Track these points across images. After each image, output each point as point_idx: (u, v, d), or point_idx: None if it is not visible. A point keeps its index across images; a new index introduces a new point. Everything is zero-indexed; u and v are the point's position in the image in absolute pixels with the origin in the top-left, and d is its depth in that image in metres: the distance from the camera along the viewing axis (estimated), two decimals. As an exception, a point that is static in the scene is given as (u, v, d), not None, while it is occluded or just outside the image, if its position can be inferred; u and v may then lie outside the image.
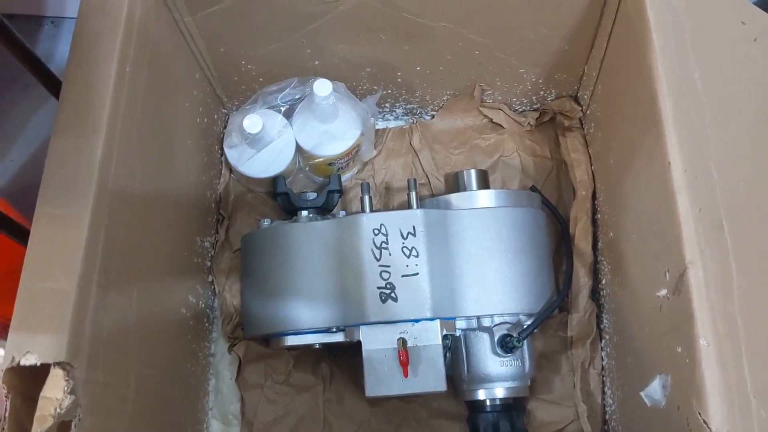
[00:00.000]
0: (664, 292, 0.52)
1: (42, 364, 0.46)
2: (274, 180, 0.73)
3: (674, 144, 0.51)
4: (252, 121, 0.67)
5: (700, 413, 0.45)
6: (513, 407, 0.67)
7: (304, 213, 0.71)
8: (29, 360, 0.46)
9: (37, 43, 0.94)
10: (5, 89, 0.93)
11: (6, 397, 0.47)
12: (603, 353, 0.70)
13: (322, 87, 0.66)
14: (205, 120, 0.74)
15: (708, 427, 0.44)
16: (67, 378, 0.46)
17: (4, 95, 0.93)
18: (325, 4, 0.64)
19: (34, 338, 0.47)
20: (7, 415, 0.46)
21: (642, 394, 0.55)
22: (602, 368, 0.70)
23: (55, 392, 0.46)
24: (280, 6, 0.64)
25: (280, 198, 0.74)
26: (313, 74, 0.70)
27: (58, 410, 0.45)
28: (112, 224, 0.52)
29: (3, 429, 0.46)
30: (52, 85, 0.78)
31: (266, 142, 0.71)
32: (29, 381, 0.47)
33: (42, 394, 0.46)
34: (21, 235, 0.72)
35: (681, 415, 0.48)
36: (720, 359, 0.46)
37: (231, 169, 0.78)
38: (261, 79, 0.74)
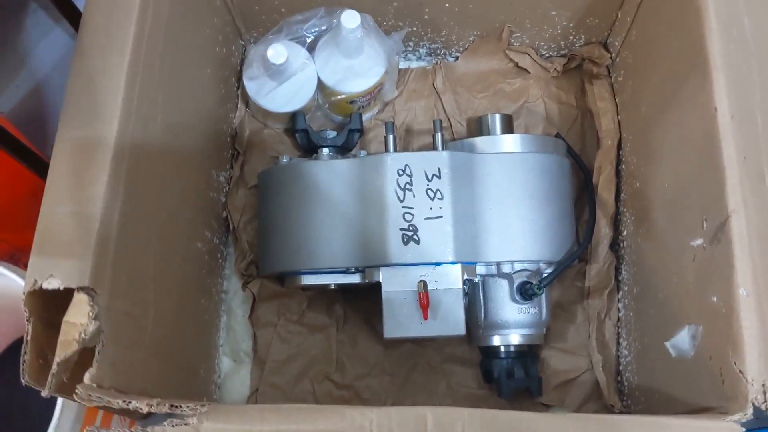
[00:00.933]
0: (699, 241, 0.51)
1: (65, 289, 0.45)
2: (294, 116, 0.71)
3: (721, 90, 0.49)
4: (276, 51, 0.65)
5: (735, 363, 0.45)
6: (527, 354, 0.67)
7: (325, 151, 0.69)
8: (52, 284, 0.45)
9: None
10: (12, 15, 0.89)
11: (27, 321, 0.46)
12: (620, 305, 0.70)
13: (350, 18, 0.64)
14: (224, 50, 0.71)
15: (744, 376, 0.44)
16: (91, 303, 0.45)
17: (11, 21, 0.89)
18: (358, -69, 0.61)
19: (57, 262, 0.45)
20: (28, 339, 0.45)
21: (668, 344, 0.55)
22: (618, 319, 0.70)
23: (79, 317, 0.45)
24: (310, -70, 0.61)
25: (299, 135, 0.72)
26: (339, 5, 0.68)
27: (83, 335, 0.44)
28: (135, 151, 0.51)
29: (25, 353, 0.45)
30: (63, 6, 0.75)
31: (288, 74, 0.68)
32: (50, 306, 0.46)
33: (65, 318, 0.45)
34: (28, 159, 0.70)
35: (713, 366, 0.48)
36: (759, 310, 0.45)
37: (247, 103, 0.76)
38: (283, 10, 0.72)
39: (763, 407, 0.43)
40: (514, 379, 0.66)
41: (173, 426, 0.42)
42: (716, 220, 0.48)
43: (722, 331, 0.46)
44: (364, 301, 0.72)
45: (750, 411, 0.43)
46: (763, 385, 0.43)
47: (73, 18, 0.75)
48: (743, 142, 0.48)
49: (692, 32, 0.53)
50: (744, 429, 0.42)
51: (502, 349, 0.66)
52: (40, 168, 0.71)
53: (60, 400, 0.61)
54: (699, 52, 0.51)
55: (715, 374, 0.47)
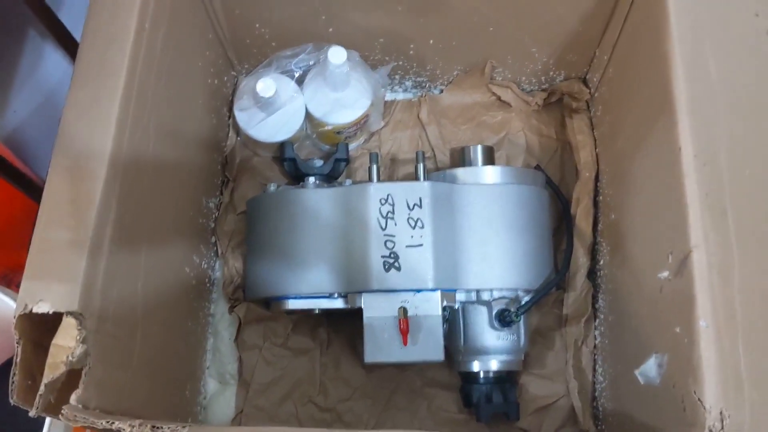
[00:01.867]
0: (665, 273, 0.53)
1: (54, 313, 0.46)
2: (282, 145, 0.74)
3: (686, 130, 0.52)
4: (266, 85, 0.67)
5: (695, 391, 0.47)
6: (506, 380, 0.69)
7: (311, 179, 0.72)
8: (42, 308, 0.47)
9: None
10: (10, 41, 0.92)
11: (17, 343, 0.47)
12: (596, 332, 0.72)
13: (337, 54, 0.66)
14: (215, 81, 0.74)
15: (702, 404, 0.46)
16: (79, 327, 0.47)
17: (9, 48, 0.92)
18: (345, -29, 0.64)
19: (48, 287, 0.47)
20: (18, 360, 0.47)
21: (636, 372, 0.57)
22: (595, 347, 0.72)
23: (67, 340, 0.46)
24: (300, -30, 0.64)
25: (287, 163, 0.74)
26: (327, 41, 0.70)
27: (70, 358, 0.46)
28: (126, 179, 0.53)
29: (14, 374, 0.47)
30: (61, 36, 0.77)
31: (277, 106, 0.71)
32: (40, 329, 0.48)
33: (54, 341, 0.47)
34: (23, 184, 0.72)
35: (676, 393, 0.50)
36: (718, 341, 0.47)
37: (238, 132, 0.78)
38: (273, 44, 0.74)
39: (720, 434, 0.45)
40: (493, 404, 0.67)
41: (155, 446, 0.44)
42: (680, 254, 0.50)
43: (684, 360, 0.48)
44: (347, 325, 0.74)
45: (707, 437, 0.45)
46: (720, 413, 0.45)
47: (70, 46, 0.78)
48: (706, 180, 0.51)
49: (660, 75, 0.55)
50: (701, 455, 0.44)
51: (482, 374, 0.68)
52: (34, 192, 0.73)
53: (48, 419, 0.62)
54: (666, 95, 0.54)
55: (678, 402, 0.49)
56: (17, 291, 0.49)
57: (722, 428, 0.45)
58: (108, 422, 0.44)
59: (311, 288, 0.67)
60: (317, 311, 0.70)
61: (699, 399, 0.46)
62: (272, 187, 0.72)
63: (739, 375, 0.47)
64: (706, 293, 0.48)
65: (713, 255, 0.49)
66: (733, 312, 0.48)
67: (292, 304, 0.68)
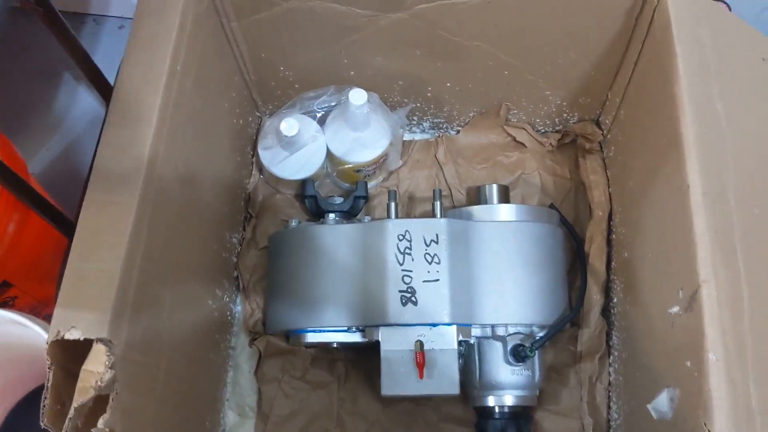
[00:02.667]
0: (676, 309, 0.54)
1: (85, 339, 0.48)
2: (303, 183, 0.76)
3: (694, 168, 0.53)
4: (289, 124, 0.70)
5: (705, 423, 0.47)
6: (521, 415, 0.69)
7: (332, 216, 0.74)
8: (73, 335, 0.48)
9: (79, 39, 0.97)
10: (46, 82, 0.96)
11: (49, 368, 0.49)
12: (611, 369, 0.72)
13: (358, 96, 0.69)
14: (241, 122, 0.77)
15: (713, 437, 0.47)
16: (108, 353, 0.49)
17: (45, 88, 0.96)
18: (367, 18, 0.67)
19: (79, 315, 0.49)
20: (49, 385, 0.49)
21: (649, 406, 0.57)
22: (609, 383, 0.72)
23: (96, 366, 0.48)
24: (324, 17, 0.67)
25: (308, 200, 0.76)
26: (348, 83, 0.74)
27: (99, 383, 0.48)
28: (156, 214, 0.55)
29: (45, 398, 0.49)
30: (95, 79, 0.81)
31: (299, 145, 0.74)
32: (70, 356, 0.50)
33: (84, 367, 0.48)
34: (56, 219, 0.75)
35: (687, 427, 0.50)
36: (728, 374, 0.48)
37: (261, 170, 0.81)
38: (297, 86, 0.77)
39: (731, 467, 0.46)
40: (508, 440, 0.68)
41: (178, 470, 0.45)
42: (690, 289, 0.52)
43: (695, 393, 0.49)
44: (365, 360, 0.75)
45: (718, 470, 0.45)
46: (731, 445, 0.46)
47: (102, 88, 0.81)
48: (714, 217, 0.52)
49: (670, 117, 0.57)
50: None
51: (497, 409, 0.69)
52: (65, 226, 0.76)
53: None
54: (675, 135, 0.56)
55: (690, 435, 0.50)
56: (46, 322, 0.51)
57: (733, 461, 0.46)
58: (134, 445, 0.46)
59: (330, 321, 0.68)
60: (335, 345, 0.71)
61: (709, 431, 0.47)
62: (294, 223, 0.74)
63: (750, 408, 0.48)
64: (715, 327, 0.49)
65: (723, 290, 0.50)
66: (743, 346, 0.50)
67: (311, 338, 0.70)
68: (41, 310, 0.81)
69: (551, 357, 0.75)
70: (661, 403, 0.56)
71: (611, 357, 0.73)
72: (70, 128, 0.96)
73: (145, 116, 0.56)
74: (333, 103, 0.75)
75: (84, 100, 0.97)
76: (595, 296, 0.73)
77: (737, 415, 0.47)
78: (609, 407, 0.72)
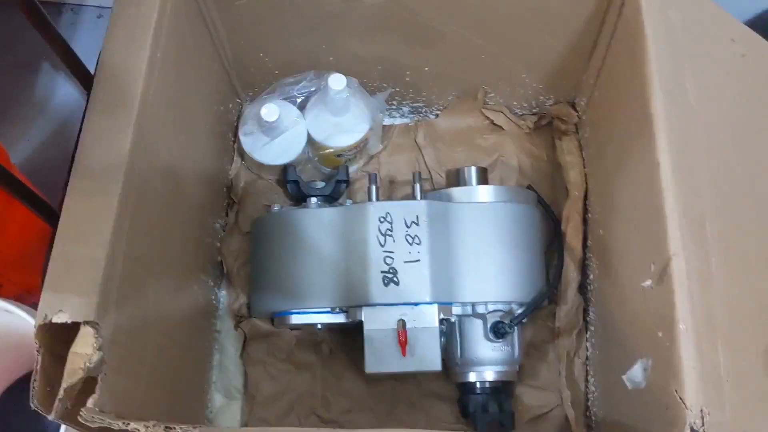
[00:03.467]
0: (648, 282, 0.56)
1: (72, 322, 0.49)
2: (285, 168, 0.77)
3: (664, 147, 0.55)
4: (269, 110, 0.71)
5: (676, 391, 0.49)
6: (501, 390, 0.71)
7: (313, 200, 0.75)
8: (61, 318, 0.49)
9: (58, 29, 0.97)
10: (27, 72, 0.96)
11: (37, 351, 0.50)
12: (588, 344, 0.74)
13: (337, 81, 0.70)
14: (221, 108, 0.78)
15: (684, 403, 0.48)
16: (96, 335, 0.50)
17: (26, 79, 0.96)
18: (345, 4, 0.68)
19: (66, 298, 0.50)
20: (38, 368, 0.50)
21: (624, 377, 0.59)
22: (586, 358, 0.74)
23: (85, 348, 0.49)
24: (303, 3, 0.68)
25: (290, 185, 0.77)
26: (327, 69, 0.74)
27: (88, 364, 0.49)
28: (139, 200, 0.56)
29: (34, 380, 0.50)
30: (74, 67, 0.81)
31: (280, 131, 0.75)
32: (58, 339, 0.51)
33: (72, 349, 0.49)
34: (40, 208, 0.75)
35: (659, 395, 0.52)
36: (697, 343, 0.50)
37: (243, 156, 0.82)
38: (276, 72, 0.78)
39: (701, 431, 0.48)
40: (489, 414, 0.70)
41: (168, 446, 0.47)
42: (660, 263, 0.54)
43: (666, 362, 0.51)
44: (348, 341, 0.77)
45: (688, 434, 0.47)
46: (701, 411, 0.48)
47: (82, 76, 0.81)
48: (684, 193, 0.54)
49: (640, 96, 0.59)
50: (681, 450, 0.47)
51: (478, 385, 0.71)
52: (49, 215, 0.76)
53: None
54: (645, 114, 0.57)
55: (661, 403, 0.52)
56: (32, 309, 0.52)
57: (703, 425, 0.48)
58: (124, 423, 0.47)
59: (313, 303, 0.70)
60: (319, 326, 0.73)
61: (680, 398, 0.49)
62: (276, 208, 0.75)
63: (719, 375, 0.50)
64: (685, 298, 0.51)
65: (692, 263, 0.52)
66: (712, 316, 0.52)
67: (296, 319, 0.71)
68: (26, 300, 0.81)
69: (530, 333, 0.76)
70: (635, 373, 0.58)
71: (588, 332, 0.75)
72: (50, 118, 0.96)
73: (127, 103, 0.57)
74: (313, 89, 0.76)
75: (64, 90, 0.97)
76: (571, 274, 0.75)
77: (706, 382, 0.49)
78: (587, 381, 0.74)
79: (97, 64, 0.60)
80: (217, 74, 0.76)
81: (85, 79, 0.78)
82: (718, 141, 0.59)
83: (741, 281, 0.54)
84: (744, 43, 0.66)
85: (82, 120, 0.57)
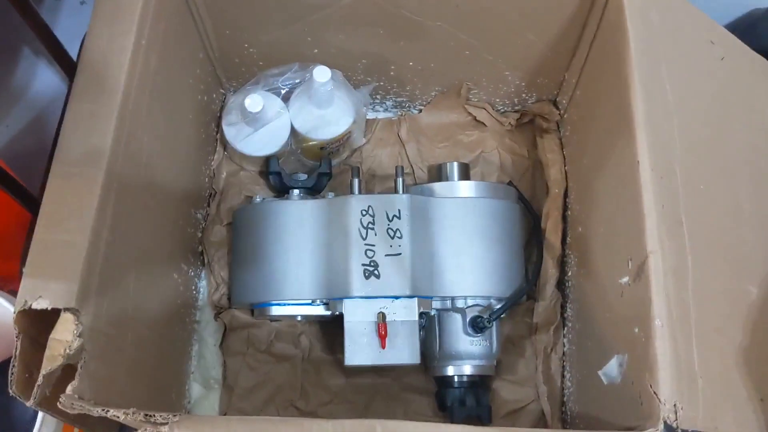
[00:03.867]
0: (626, 279, 0.57)
1: (53, 309, 0.49)
2: (268, 159, 0.77)
3: (644, 145, 0.56)
4: (253, 101, 0.71)
5: (651, 385, 0.50)
6: (479, 384, 0.72)
7: (296, 192, 0.75)
8: (41, 304, 0.49)
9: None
10: (5, 58, 0.95)
11: (16, 337, 0.50)
12: (565, 340, 0.75)
13: (322, 73, 0.70)
14: (205, 98, 0.78)
15: (658, 397, 0.49)
16: (76, 322, 0.49)
17: (4, 64, 0.95)
18: (330, -4, 0.68)
19: (47, 285, 0.50)
20: (17, 354, 0.50)
21: (600, 372, 0.60)
22: (563, 353, 0.75)
23: (64, 335, 0.49)
24: (287, -5, 0.68)
25: (273, 177, 0.77)
26: (312, 61, 0.74)
27: (67, 351, 0.49)
28: (121, 188, 0.56)
29: (13, 366, 0.49)
30: (56, 53, 0.80)
31: (264, 122, 0.75)
32: (38, 326, 0.51)
33: (52, 336, 0.49)
34: (19, 195, 0.75)
35: (634, 389, 0.53)
36: (672, 339, 0.51)
37: (225, 147, 0.82)
38: (261, 63, 0.78)
39: (674, 425, 0.49)
40: (466, 408, 0.70)
41: (147, 434, 0.47)
42: (638, 260, 0.55)
43: (642, 358, 0.52)
44: (328, 334, 0.77)
45: (661, 427, 0.48)
46: (675, 405, 0.49)
47: (64, 62, 0.81)
48: (662, 192, 0.55)
49: (621, 96, 0.60)
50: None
51: (456, 378, 0.71)
52: (28, 201, 0.75)
53: (39, 419, 0.64)
54: (625, 114, 0.58)
55: (636, 397, 0.53)
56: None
57: (676, 419, 0.49)
58: (103, 410, 0.47)
59: (294, 295, 0.70)
60: (300, 318, 0.73)
61: (655, 392, 0.50)
62: (258, 199, 0.75)
63: (693, 371, 0.51)
64: (661, 295, 0.52)
65: (668, 260, 0.53)
66: (687, 312, 0.53)
67: (276, 311, 0.71)
68: (4, 287, 0.80)
69: (508, 329, 0.77)
70: (611, 368, 0.59)
71: (565, 328, 0.76)
72: (30, 104, 0.95)
73: (110, 90, 0.57)
74: (297, 81, 0.76)
75: (44, 76, 0.96)
76: (550, 270, 0.76)
77: (681, 377, 0.50)
78: (563, 376, 0.75)
79: (80, 50, 0.59)
80: (201, 64, 0.75)
81: (68, 65, 0.77)
82: (696, 141, 0.60)
83: (717, 279, 0.55)
84: (723, 46, 0.67)
85: (64, 106, 0.57)
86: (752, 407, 0.53)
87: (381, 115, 0.87)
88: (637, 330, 0.54)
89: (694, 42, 0.66)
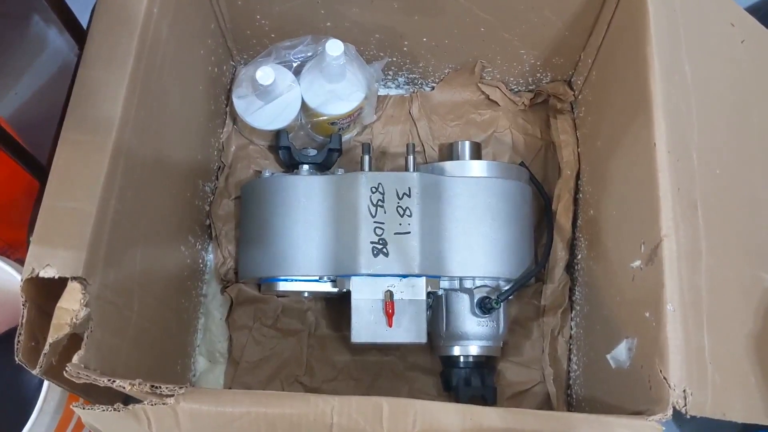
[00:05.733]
0: (638, 263, 0.56)
1: (60, 278, 0.49)
2: (278, 134, 0.77)
3: (661, 128, 0.55)
4: (265, 73, 0.70)
5: (661, 370, 0.50)
6: (485, 365, 0.72)
7: (305, 167, 0.74)
8: (48, 272, 0.49)
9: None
10: (16, 25, 0.94)
11: (23, 305, 0.50)
12: (572, 323, 0.75)
13: (334, 47, 0.69)
14: (215, 70, 0.77)
15: (668, 383, 0.49)
16: (83, 291, 0.49)
17: (14, 31, 0.94)
18: (345, -32, 0.67)
19: (54, 253, 0.49)
20: (23, 322, 0.49)
21: (608, 356, 0.60)
22: (570, 336, 0.75)
23: (71, 304, 0.49)
24: (302, -35, 0.67)
25: (282, 152, 0.77)
26: (324, 34, 0.73)
27: (74, 320, 0.48)
28: (130, 156, 0.55)
29: (19, 334, 0.49)
30: (67, 21, 0.79)
31: (274, 95, 0.74)
32: (44, 294, 0.50)
33: (59, 304, 0.49)
34: (27, 162, 0.74)
35: (643, 374, 0.53)
36: (684, 324, 0.50)
37: (234, 120, 0.81)
38: (273, 35, 0.77)
39: (683, 410, 0.48)
40: (471, 388, 0.70)
41: (153, 405, 0.47)
42: (651, 243, 0.54)
43: (652, 342, 0.52)
44: (335, 311, 0.77)
45: (670, 412, 0.48)
46: (684, 390, 0.49)
47: (75, 32, 0.80)
48: (678, 175, 0.54)
49: (639, 77, 0.59)
50: (663, 428, 0.47)
51: (462, 359, 0.71)
52: (36, 169, 0.75)
53: (44, 388, 0.64)
54: (644, 95, 0.57)
55: (645, 381, 0.52)
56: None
57: (685, 405, 0.48)
58: (109, 380, 0.47)
59: (302, 271, 0.70)
60: (306, 294, 0.73)
61: (664, 377, 0.49)
62: (267, 174, 0.74)
63: (704, 357, 0.51)
64: (674, 279, 0.51)
65: (682, 244, 0.52)
66: (699, 298, 0.52)
67: (283, 286, 0.71)
68: (11, 255, 0.80)
69: (516, 310, 0.77)
70: (620, 352, 0.58)
71: (573, 311, 0.75)
72: (39, 72, 0.94)
73: (121, 58, 0.56)
74: (309, 54, 0.75)
75: (55, 44, 0.95)
76: (560, 253, 0.75)
77: (691, 363, 0.50)
78: (569, 359, 0.74)
79: (90, 17, 0.58)
80: (212, 35, 0.74)
81: (78, 34, 0.76)
82: (714, 125, 0.59)
83: (730, 264, 0.55)
84: (743, 29, 0.66)
85: (74, 74, 0.56)
86: (761, 394, 0.53)
87: (393, 92, 0.86)
88: (647, 314, 0.53)
89: (714, 24, 0.64)
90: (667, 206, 0.53)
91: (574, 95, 0.80)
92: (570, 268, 0.76)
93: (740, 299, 0.56)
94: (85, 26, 0.61)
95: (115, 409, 0.47)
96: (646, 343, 0.54)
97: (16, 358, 0.49)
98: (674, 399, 0.48)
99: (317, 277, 0.70)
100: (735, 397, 0.52)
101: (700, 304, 0.52)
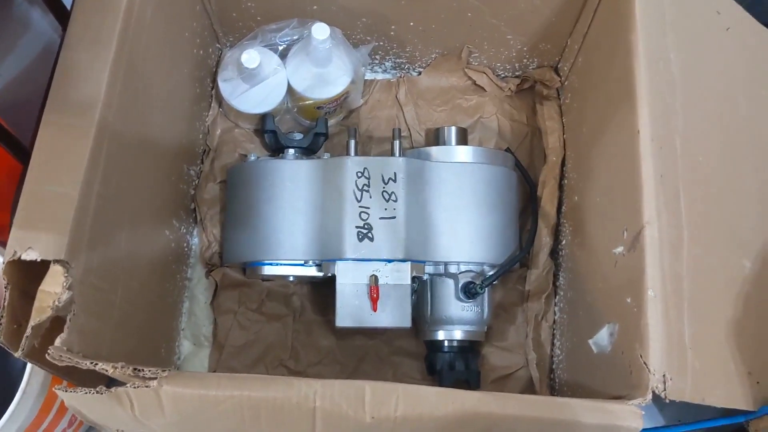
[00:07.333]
0: (620, 249, 0.57)
1: (42, 261, 0.49)
2: (263, 117, 0.76)
3: (645, 115, 0.55)
4: (250, 56, 0.69)
5: (641, 356, 0.50)
6: (469, 350, 0.72)
7: (291, 151, 0.74)
8: (30, 255, 0.48)
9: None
10: (-3, 4, 0.93)
11: (5, 288, 0.50)
12: (556, 308, 0.75)
13: (321, 30, 0.69)
14: (201, 52, 0.76)
15: (647, 368, 0.49)
16: (66, 275, 0.49)
17: (-4, 10, 0.93)
18: (332, -50, 0.67)
19: (37, 236, 0.49)
20: (5, 305, 0.49)
21: (590, 341, 0.61)
22: (554, 321, 0.75)
23: (54, 287, 0.49)
24: (288, -53, 0.67)
25: (268, 135, 0.76)
26: (311, 18, 0.73)
27: (57, 303, 0.48)
28: (114, 140, 0.55)
29: (1, 317, 0.49)
30: (51, 3, 0.78)
31: (260, 78, 0.73)
32: (27, 277, 0.50)
33: (41, 287, 0.49)
34: (10, 144, 0.74)
35: (624, 359, 0.53)
36: (664, 310, 0.51)
37: (220, 103, 0.80)
38: (259, 18, 0.76)
39: (662, 395, 0.49)
40: (455, 372, 0.71)
41: (135, 387, 0.47)
42: (634, 230, 0.54)
43: (633, 328, 0.52)
44: (320, 295, 0.77)
45: (649, 397, 0.49)
46: (664, 375, 0.49)
47: (58, 12, 0.79)
48: (661, 162, 0.55)
49: (624, 63, 0.59)
50: (642, 412, 0.48)
51: (446, 343, 0.71)
52: (19, 152, 0.74)
53: (27, 371, 0.64)
54: (628, 82, 0.57)
55: (626, 367, 0.53)
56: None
57: (665, 389, 0.49)
58: (92, 363, 0.47)
59: (287, 254, 0.70)
60: (292, 278, 0.73)
61: (644, 362, 0.50)
62: (253, 157, 0.74)
63: (683, 343, 0.51)
64: (656, 265, 0.52)
65: (665, 231, 0.53)
66: (680, 286, 0.53)
67: (268, 270, 0.71)
68: (-7, 237, 0.80)
69: (500, 295, 0.77)
70: (602, 337, 0.59)
71: (557, 297, 0.76)
72: (22, 54, 0.92)
73: (105, 40, 0.55)
74: (295, 37, 0.74)
75: (38, 25, 0.94)
76: (544, 238, 0.75)
77: (671, 348, 0.51)
78: (553, 344, 0.75)
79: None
80: (198, 17, 0.74)
81: (61, 15, 0.76)
82: (699, 113, 0.60)
83: (712, 252, 0.55)
84: (729, 16, 0.66)
85: (57, 55, 0.56)
86: (740, 380, 0.54)
87: (380, 77, 0.86)
88: (629, 300, 0.54)
89: (700, 11, 0.64)
90: (650, 193, 0.53)
91: (560, 81, 0.81)
92: (554, 253, 0.77)
93: (722, 286, 0.56)
94: (69, 7, 0.61)
95: (98, 392, 0.47)
96: (627, 328, 0.54)
97: (-1, 341, 0.49)
98: (654, 384, 0.49)
99: (302, 262, 0.70)
100: (715, 382, 0.53)
101: (681, 290, 0.53)
